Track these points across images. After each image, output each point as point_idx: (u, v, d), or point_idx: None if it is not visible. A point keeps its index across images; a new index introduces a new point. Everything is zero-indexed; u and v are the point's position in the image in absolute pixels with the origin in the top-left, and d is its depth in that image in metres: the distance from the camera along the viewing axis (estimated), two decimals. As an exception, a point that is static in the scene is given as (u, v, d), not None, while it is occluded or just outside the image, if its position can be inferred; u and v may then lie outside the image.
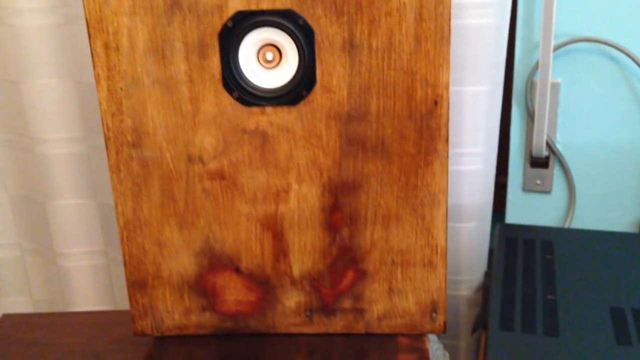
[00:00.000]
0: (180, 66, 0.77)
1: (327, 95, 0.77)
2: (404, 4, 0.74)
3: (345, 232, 0.83)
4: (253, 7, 0.75)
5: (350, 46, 0.75)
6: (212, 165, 0.81)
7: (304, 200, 0.82)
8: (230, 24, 0.75)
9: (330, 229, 0.83)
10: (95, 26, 0.75)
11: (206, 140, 0.80)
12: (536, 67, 1.15)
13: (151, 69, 0.77)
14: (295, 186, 0.81)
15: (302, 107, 0.78)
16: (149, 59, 0.77)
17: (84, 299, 1.40)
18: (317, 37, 0.75)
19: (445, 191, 0.80)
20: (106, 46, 0.76)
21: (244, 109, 0.78)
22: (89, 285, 1.40)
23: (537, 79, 1.14)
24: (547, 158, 1.20)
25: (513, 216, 1.26)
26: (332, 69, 0.76)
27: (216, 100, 0.78)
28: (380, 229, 0.82)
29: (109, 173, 1.28)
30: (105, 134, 0.80)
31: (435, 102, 0.77)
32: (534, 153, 1.19)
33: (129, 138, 0.80)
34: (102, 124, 0.80)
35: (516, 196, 1.25)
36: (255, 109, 0.79)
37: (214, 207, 0.83)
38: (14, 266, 1.44)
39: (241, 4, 0.75)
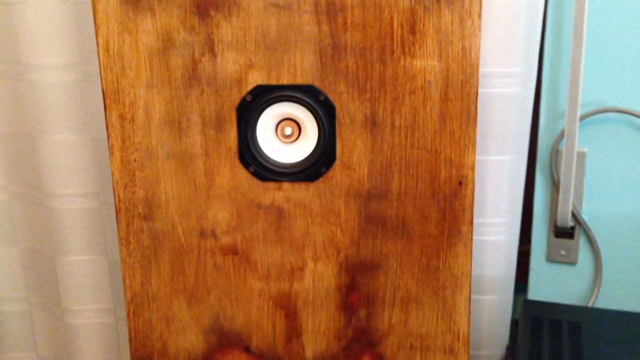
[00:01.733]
0: (196, 139, 0.74)
1: (346, 172, 0.74)
2: (429, 82, 0.71)
3: (361, 314, 0.78)
4: (273, 82, 0.72)
5: (372, 123, 0.72)
6: (225, 240, 0.77)
7: (319, 278, 0.78)
8: (249, 98, 0.73)
9: (346, 309, 0.78)
10: (111, 97, 0.72)
11: (220, 215, 0.77)
12: (561, 136, 1.11)
13: (166, 141, 0.74)
14: (310, 264, 0.77)
15: (320, 183, 0.75)
16: (165, 132, 0.74)
17: (90, 356, 1.36)
18: (338, 113, 0.72)
19: (469, 275, 0.76)
20: (122, 117, 0.73)
21: (260, 184, 0.75)
22: (95, 343, 1.36)
23: (563, 147, 1.10)
24: (573, 228, 1.15)
25: (536, 287, 1.21)
26: (352, 145, 0.73)
27: (232, 175, 0.75)
28: (399, 312, 0.78)
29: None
30: (116, 205, 0.77)
31: (460, 183, 0.73)
32: (559, 223, 1.15)
33: (140, 210, 0.77)
34: (114, 195, 0.77)
35: (539, 266, 1.19)
36: (271, 184, 0.75)
37: (225, 283, 0.79)
38: (20, 320, 1.40)
39: (261, 78, 0.72)
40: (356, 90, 0.72)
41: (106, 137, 1.14)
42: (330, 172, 0.74)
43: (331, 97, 0.72)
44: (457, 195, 0.73)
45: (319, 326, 0.79)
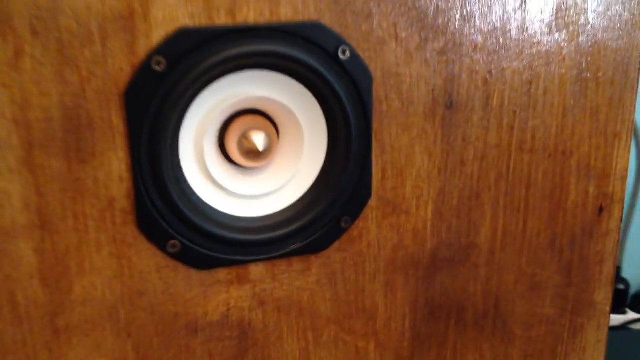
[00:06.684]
0: (6, 187, 0.25)
1: (391, 220, 0.33)
2: (566, 10, 0.32)
3: None
4: (219, 22, 0.27)
5: (447, 106, 0.32)
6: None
7: None
8: (159, 66, 0.26)
9: None
10: None
11: (92, 368, 0.30)
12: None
13: None
14: None
15: (334, 254, 0.33)
16: None
17: None
18: (378, 88, 0.30)
19: (603, 377, 0.40)
20: None
21: (195, 275, 0.30)
22: None
23: None
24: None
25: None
26: (406, 159, 0.32)
27: (119, 266, 0.28)
28: None
29: None
30: None
31: (601, 209, 0.37)
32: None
33: None
34: None
35: None
36: (222, 273, 0.31)
37: None
38: None
39: (187, 11, 0.26)
40: (416, 32, 0.30)
41: None
42: (357, 226, 0.32)
43: (361, 51, 0.29)
44: (594, 234, 0.37)
45: None
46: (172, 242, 0.32)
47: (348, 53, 0.32)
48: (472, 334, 0.39)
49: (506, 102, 0.35)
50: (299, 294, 0.35)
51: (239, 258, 0.33)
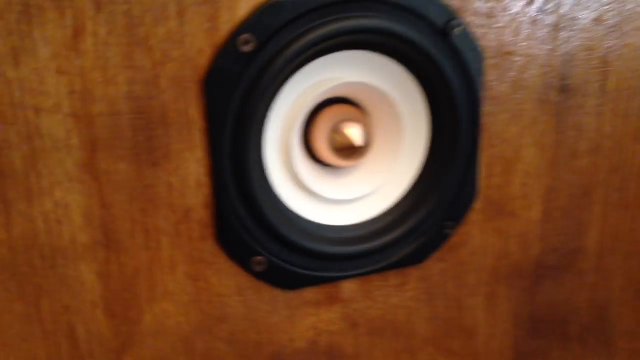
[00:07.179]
0: (66, 198, 0.20)
1: (496, 223, 0.28)
2: None
3: None
4: None
5: (562, 90, 0.27)
6: None
7: None
8: (246, 46, 0.21)
9: None
10: None
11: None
12: None
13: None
14: None
15: (434, 264, 0.27)
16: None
17: None
18: (488, 70, 0.25)
19: None
20: None
21: (280, 296, 0.25)
22: None
23: None
24: None
25: None
26: (514, 152, 0.27)
27: (195, 287, 0.23)
28: None
29: None
30: None
31: None
32: None
33: None
34: None
35: None
36: (310, 293, 0.26)
37: None
38: None
39: None
40: (529, 4, 0.25)
41: None
42: (460, 232, 0.27)
43: (471, 25, 0.24)
44: None
45: None
46: (258, 258, 0.26)
47: (459, 28, 0.27)
48: (575, 349, 0.35)
49: (623, 84, 0.31)
50: (394, 312, 0.30)
51: (330, 275, 0.28)
